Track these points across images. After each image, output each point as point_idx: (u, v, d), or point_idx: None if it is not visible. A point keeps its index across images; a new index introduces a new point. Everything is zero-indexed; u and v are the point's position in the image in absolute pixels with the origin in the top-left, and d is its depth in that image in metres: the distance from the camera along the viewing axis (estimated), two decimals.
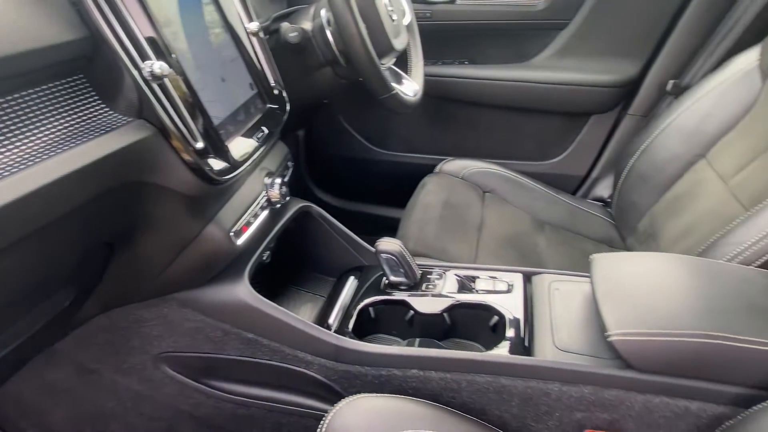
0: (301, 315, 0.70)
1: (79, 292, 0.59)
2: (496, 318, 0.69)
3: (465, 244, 1.02)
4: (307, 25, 0.86)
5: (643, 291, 0.59)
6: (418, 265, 0.82)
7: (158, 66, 0.46)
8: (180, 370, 0.71)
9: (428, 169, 1.25)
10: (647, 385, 0.55)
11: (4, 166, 0.37)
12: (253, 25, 0.68)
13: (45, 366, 0.72)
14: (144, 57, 0.46)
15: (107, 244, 0.54)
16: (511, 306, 0.69)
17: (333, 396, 0.67)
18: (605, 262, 0.64)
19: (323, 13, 0.82)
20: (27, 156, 0.39)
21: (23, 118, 0.40)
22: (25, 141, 0.40)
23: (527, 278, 0.75)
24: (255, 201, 0.66)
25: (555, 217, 1.17)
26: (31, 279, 0.48)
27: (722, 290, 0.58)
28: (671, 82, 1.17)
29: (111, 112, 0.47)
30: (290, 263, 0.87)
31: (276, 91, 0.73)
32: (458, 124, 1.41)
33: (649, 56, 1.20)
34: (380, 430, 0.54)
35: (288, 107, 0.74)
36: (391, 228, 1.12)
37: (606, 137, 1.30)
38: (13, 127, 0.39)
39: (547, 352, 0.61)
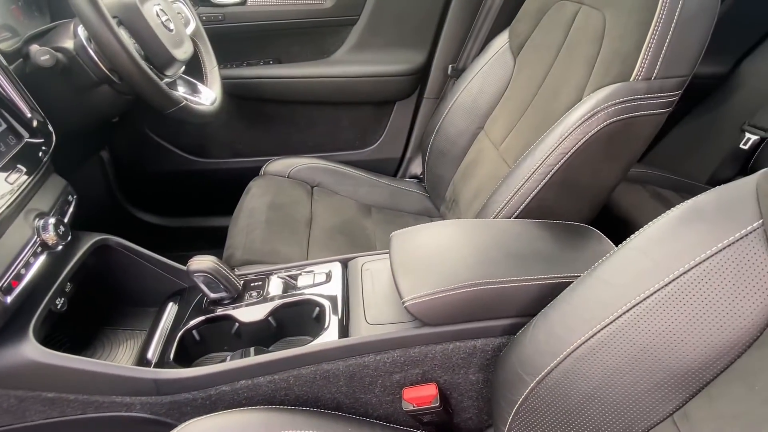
0: (119, 355, 0.65)
1: None
2: (317, 309, 0.73)
3: (295, 242, 1.04)
4: (69, 44, 0.78)
5: (428, 257, 0.68)
6: (243, 274, 0.82)
7: None
8: None
9: (253, 172, 1.24)
10: (441, 336, 0.65)
11: None
12: None
13: None
14: None
15: None
16: (330, 294, 0.74)
17: (166, 429, 0.65)
18: (400, 238, 0.72)
19: (81, 30, 0.75)
20: None
21: None
22: None
23: (344, 264, 0.81)
24: (25, 248, 0.59)
25: (378, 199, 1.26)
26: None
27: (486, 243, 0.70)
28: (450, 66, 1.33)
29: None
30: (102, 303, 0.80)
31: (35, 123, 0.65)
32: (278, 124, 1.42)
33: (431, 44, 1.34)
34: None
35: (54, 138, 0.67)
36: (223, 239, 1.09)
37: (411, 120, 1.43)
38: None
39: (361, 329, 0.67)
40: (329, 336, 0.67)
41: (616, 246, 0.55)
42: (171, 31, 0.87)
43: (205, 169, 1.41)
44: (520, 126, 0.99)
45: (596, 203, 0.81)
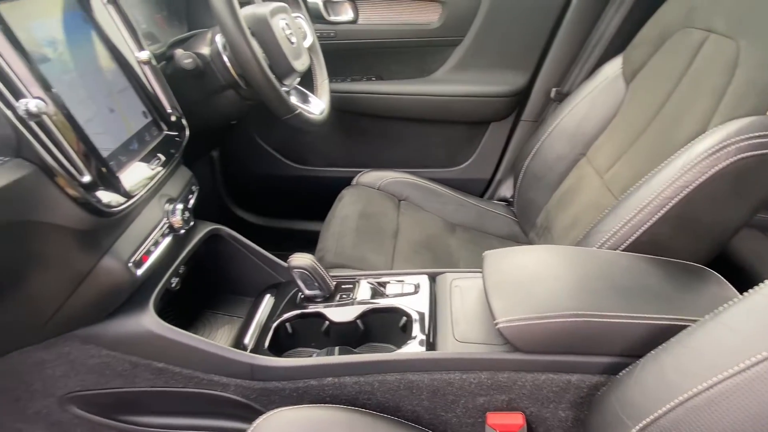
0: (217, 338, 0.70)
1: None
2: (404, 319, 0.73)
3: (382, 251, 1.06)
4: (205, 50, 0.87)
5: (524, 281, 0.66)
6: (335, 276, 0.85)
7: (34, 104, 0.46)
8: (90, 409, 0.68)
9: (346, 182, 1.29)
10: (533, 364, 0.62)
11: None
12: (143, 54, 0.68)
13: None
14: (18, 95, 0.46)
15: None
16: (417, 306, 0.74)
17: (253, 415, 0.68)
18: (494, 258, 0.71)
19: (219, 38, 0.84)
20: None
21: None
22: None
23: (432, 279, 0.81)
24: (155, 229, 0.66)
25: (465, 218, 1.25)
26: None
27: (590, 274, 0.66)
28: (554, 89, 1.30)
29: None
30: (205, 287, 0.87)
31: (173, 118, 0.73)
32: (372, 137, 1.47)
33: (534, 67, 1.32)
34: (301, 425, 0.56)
35: (187, 132, 0.75)
36: (312, 242, 1.14)
37: (505, 142, 1.41)
38: None
39: (448, 345, 0.66)
40: (415, 347, 0.68)
41: (740, 293, 0.50)
42: (293, 44, 0.94)
43: (300, 175, 1.49)
44: (630, 154, 0.94)
45: (715, 245, 0.74)
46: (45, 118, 0.47)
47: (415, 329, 0.70)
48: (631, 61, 1.04)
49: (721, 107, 0.73)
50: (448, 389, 0.64)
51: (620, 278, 0.66)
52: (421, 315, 0.73)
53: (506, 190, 1.40)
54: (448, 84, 1.37)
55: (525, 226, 1.21)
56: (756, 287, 0.49)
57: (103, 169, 0.53)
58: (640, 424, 0.51)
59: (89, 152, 0.52)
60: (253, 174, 1.48)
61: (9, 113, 0.45)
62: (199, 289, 0.85)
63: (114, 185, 0.54)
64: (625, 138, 0.98)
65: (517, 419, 0.63)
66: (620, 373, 0.58)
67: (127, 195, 0.55)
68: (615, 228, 0.75)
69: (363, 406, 0.66)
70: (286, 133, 1.42)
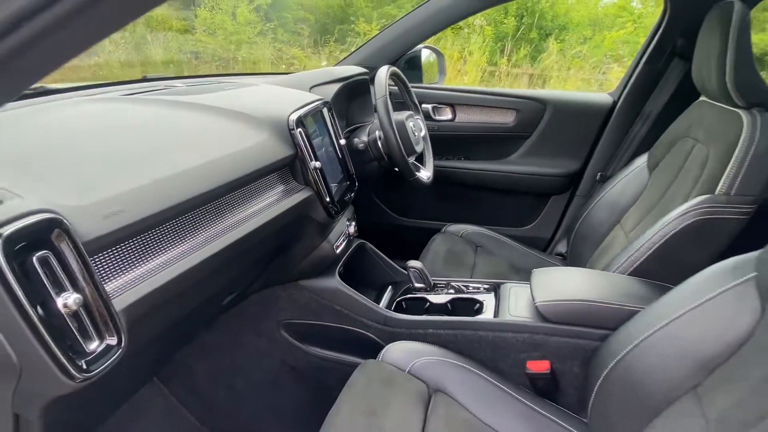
0: None
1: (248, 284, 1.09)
2: (477, 305, 1.17)
3: (461, 275, 1.51)
4: (365, 138, 1.44)
5: (557, 282, 1.08)
6: (433, 278, 1.32)
7: (313, 164, 1.00)
8: (291, 334, 1.18)
9: (434, 232, 1.77)
10: (558, 331, 1.02)
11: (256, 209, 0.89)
12: (342, 141, 1.25)
13: (205, 333, 1.20)
14: (313, 158, 1.01)
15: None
16: (487, 299, 1.18)
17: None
18: (539, 271, 1.14)
19: (377, 132, 1.40)
20: (266, 203, 0.91)
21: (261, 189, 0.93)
22: (262, 197, 0.92)
23: (498, 286, 1.24)
24: (343, 231, 1.19)
25: (527, 264, 1.66)
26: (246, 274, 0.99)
27: (601, 282, 1.07)
28: (599, 173, 1.73)
29: (294, 181, 1.00)
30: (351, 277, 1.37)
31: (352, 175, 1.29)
32: (459, 201, 1.96)
33: (586, 156, 1.77)
34: (411, 351, 1.01)
35: (356, 185, 1.29)
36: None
37: (563, 211, 1.83)
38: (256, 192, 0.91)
39: (506, 317, 1.09)
40: (484, 317, 1.11)
41: None
42: (415, 135, 1.49)
43: (401, 225, 2.00)
44: (646, 219, 1.34)
45: (683, 277, 1.11)
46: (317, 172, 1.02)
47: (485, 310, 1.14)
48: (653, 157, 1.46)
49: (694, 191, 1.13)
50: (503, 344, 1.06)
51: (616, 285, 1.06)
52: (490, 303, 1.16)
53: (562, 247, 1.80)
54: (519, 165, 1.86)
55: None
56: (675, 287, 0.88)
57: (333, 197, 1.07)
58: (614, 360, 0.89)
59: (329, 191, 1.05)
60: (370, 221, 2.01)
61: (310, 166, 1.00)
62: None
63: (337, 206, 1.08)
64: (645, 209, 1.38)
65: (545, 366, 1.02)
66: (606, 339, 0.97)
67: (339, 211, 1.08)
68: (622, 261, 1.15)
69: (452, 350, 1.09)
70: (394, 193, 1.96)
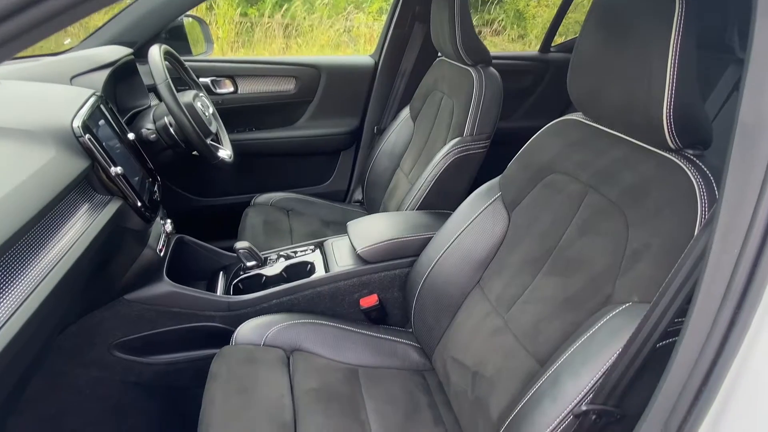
0: None
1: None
2: (309, 266, 1.31)
3: (283, 242, 1.62)
4: (151, 126, 1.34)
5: (368, 228, 1.29)
6: (261, 252, 1.39)
7: (114, 170, 0.93)
8: (127, 351, 1.11)
9: (243, 206, 1.80)
10: (378, 268, 1.25)
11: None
12: (131, 135, 1.15)
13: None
14: (112, 164, 0.93)
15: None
16: (316, 258, 1.32)
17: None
18: (353, 223, 1.34)
19: (166, 119, 1.32)
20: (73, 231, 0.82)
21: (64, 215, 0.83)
22: (66, 225, 0.83)
23: (321, 244, 1.40)
24: (161, 232, 1.14)
25: (335, 217, 1.86)
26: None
27: (399, 219, 1.32)
28: (375, 127, 2.01)
29: (98, 194, 0.91)
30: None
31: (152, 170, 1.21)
32: (258, 171, 2.01)
33: (362, 113, 2.02)
34: (260, 326, 1.09)
35: (159, 180, 1.23)
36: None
37: (352, 164, 2.08)
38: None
39: (336, 269, 1.26)
40: (317, 275, 1.26)
41: None
42: (206, 115, 1.46)
43: (209, 205, 1.95)
44: (420, 162, 1.66)
45: (459, 201, 1.47)
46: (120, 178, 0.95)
47: (317, 269, 1.28)
48: (414, 108, 1.77)
49: (449, 135, 1.47)
50: (338, 292, 1.23)
51: (411, 220, 1.33)
52: (318, 262, 1.31)
53: (358, 195, 2.06)
54: (307, 129, 1.99)
55: (371, 211, 1.88)
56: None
57: (147, 201, 1.01)
58: (423, 279, 1.15)
59: (138, 196, 0.99)
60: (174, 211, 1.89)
61: (111, 172, 0.92)
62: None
63: (150, 209, 1.02)
64: (416, 153, 1.69)
65: (374, 299, 1.24)
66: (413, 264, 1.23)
67: (153, 216, 1.03)
68: (411, 198, 1.44)
69: (296, 312, 1.21)
70: (188, 173, 1.87)
